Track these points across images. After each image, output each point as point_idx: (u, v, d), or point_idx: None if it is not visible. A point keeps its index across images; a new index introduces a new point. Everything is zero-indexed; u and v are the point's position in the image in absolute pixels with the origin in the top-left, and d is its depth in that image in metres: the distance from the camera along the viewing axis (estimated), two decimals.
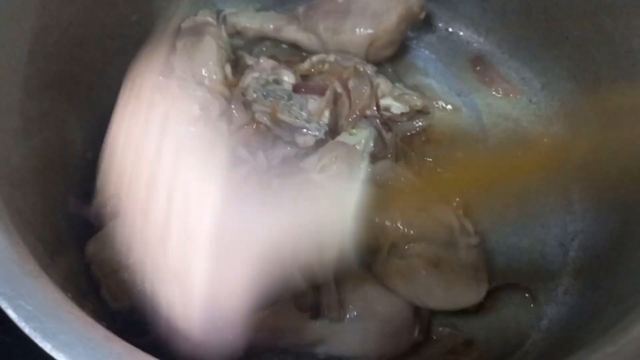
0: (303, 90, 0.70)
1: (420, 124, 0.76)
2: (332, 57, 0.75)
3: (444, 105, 0.79)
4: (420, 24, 0.80)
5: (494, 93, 0.81)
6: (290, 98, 0.68)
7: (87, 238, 0.60)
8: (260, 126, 0.67)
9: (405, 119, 0.75)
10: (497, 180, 0.58)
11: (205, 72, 0.69)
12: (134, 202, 0.52)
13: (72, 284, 0.47)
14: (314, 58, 0.75)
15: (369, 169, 0.65)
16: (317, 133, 0.67)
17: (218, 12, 0.80)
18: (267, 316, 0.57)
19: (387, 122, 0.73)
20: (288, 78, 0.71)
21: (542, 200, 0.73)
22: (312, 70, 0.75)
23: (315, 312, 0.58)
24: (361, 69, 0.73)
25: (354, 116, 0.71)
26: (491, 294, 0.64)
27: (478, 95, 0.81)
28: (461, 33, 0.86)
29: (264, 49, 0.83)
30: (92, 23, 0.67)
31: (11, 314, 0.38)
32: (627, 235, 0.62)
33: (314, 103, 0.68)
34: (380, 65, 0.78)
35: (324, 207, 0.57)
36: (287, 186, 0.59)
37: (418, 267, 0.60)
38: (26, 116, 0.55)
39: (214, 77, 0.69)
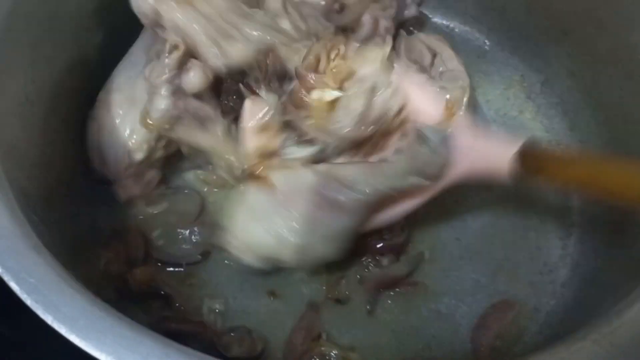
0: None
1: None
2: None
3: None
4: None
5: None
6: None
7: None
8: None
9: None
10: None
11: None
12: None
13: (75, 261, 0.48)
14: None
15: None
16: None
17: None
18: None
19: None
20: None
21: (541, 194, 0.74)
22: None
23: None
24: None
25: None
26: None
27: (478, 91, 0.82)
28: (461, 30, 0.86)
29: None
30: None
31: (14, 286, 0.39)
32: (626, 224, 0.63)
33: None
34: None
35: None
36: None
37: None
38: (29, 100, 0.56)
39: None
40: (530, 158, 0.52)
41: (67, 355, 0.68)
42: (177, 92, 0.61)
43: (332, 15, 0.72)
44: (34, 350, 0.70)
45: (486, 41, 0.85)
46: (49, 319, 0.38)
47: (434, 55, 0.76)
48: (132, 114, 0.63)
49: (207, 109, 0.63)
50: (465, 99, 0.70)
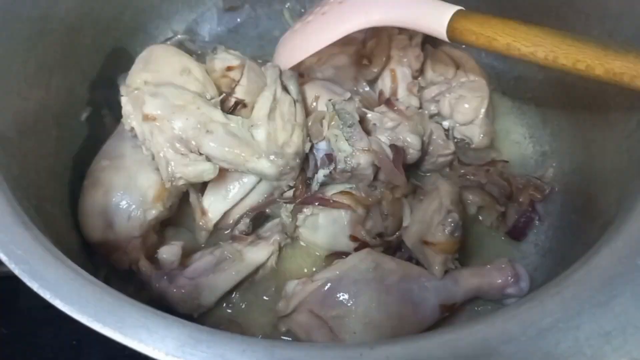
0: None
1: None
2: None
3: None
4: None
5: None
6: None
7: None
8: None
9: None
10: None
11: None
12: None
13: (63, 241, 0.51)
14: None
15: None
16: None
17: None
18: None
19: None
20: None
21: None
22: None
23: None
24: None
25: None
26: None
27: None
28: None
29: None
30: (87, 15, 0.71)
31: (2, 256, 0.42)
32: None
33: None
34: None
35: None
36: None
37: None
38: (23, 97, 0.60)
39: None
40: (461, 21, 0.61)
41: (61, 350, 0.72)
42: None
43: (363, 71, 0.79)
44: (29, 347, 0.73)
45: None
46: (34, 286, 0.41)
47: (458, 66, 0.81)
48: (145, 173, 0.65)
49: None
50: (483, 110, 0.76)
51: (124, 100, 0.62)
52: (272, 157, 0.63)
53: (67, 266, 0.43)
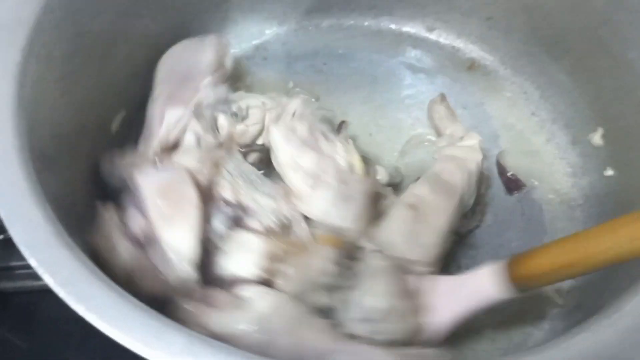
0: None
1: None
2: None
3: None
4: None
5: None
6: None
7: None
8: None
9: None
10: None
11: None
12: None
13: None
14: None
15: None
16: None
17: None
18: None
19: None
20: None
21: None
22: None
23: None
24: None
25: None
26: None
27: (484, 107, 0.85)
28: (468, 49, 0.90)
29: None
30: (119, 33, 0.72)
31: (47, 278, 0.41)
32: None
33: None
34: None
35: None
36: None
37: None
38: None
39: None
40: (516, 271, 0.53)
41: None
42: None
43: None
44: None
45: (491, 59, 0.88)
46: (80, 310, 0.40)
47: None
48: None
49: None
50: None
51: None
52: None
53: (112, 288, 0.42)
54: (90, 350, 0.72)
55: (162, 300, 0.57)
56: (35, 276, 0.42)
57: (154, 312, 0.42)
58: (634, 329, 0.41)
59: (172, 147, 0.65)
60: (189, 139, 0.65)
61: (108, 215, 0.58)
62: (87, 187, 0.63)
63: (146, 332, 0.40)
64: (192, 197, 0.56)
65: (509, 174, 0.78)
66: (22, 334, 0.74)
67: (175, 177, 0.58)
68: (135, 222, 0.57)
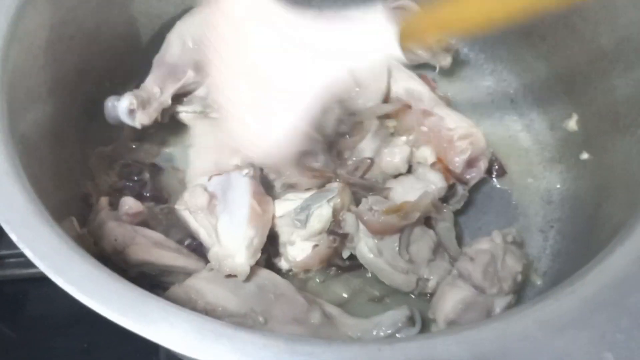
0: None
1: None
2: None
3: None
4: None
5: None
6: None
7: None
8: None
9: None
10: None
11: None
12: None
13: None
14: None
15: None
16: None
17: None
18: None
19: None
20: None
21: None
22: None
23: None
24: None
25: None
26: None
27: (463, 96, 0.86)
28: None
29: None
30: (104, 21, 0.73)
31: (28, 252, 0.43)
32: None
33: None
34: None
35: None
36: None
37: None
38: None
39: None
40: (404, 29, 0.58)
41: (72, 354, 0.72)
42: None
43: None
44: (38, 351, 0.73)
45: (467, 50, 0.90)
46: (59, 281, 0.42)
47: None
48: None
49: None
50: None
51: None
52: None
53: (90, 263, 0.44)
54: (77, 337, 0.73)
55: (151, 276, 0.60)
56: (25, 264, 0.44)
57: (130, 284, 0.43)
58: (594, 294, 0.43)
59: None
60: None
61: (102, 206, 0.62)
62: (71, 171, 0.64)
63: (122, 302, 0.41)
64: None
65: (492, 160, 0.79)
66: (9, 322, 0.75)
67: None
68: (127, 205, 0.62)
